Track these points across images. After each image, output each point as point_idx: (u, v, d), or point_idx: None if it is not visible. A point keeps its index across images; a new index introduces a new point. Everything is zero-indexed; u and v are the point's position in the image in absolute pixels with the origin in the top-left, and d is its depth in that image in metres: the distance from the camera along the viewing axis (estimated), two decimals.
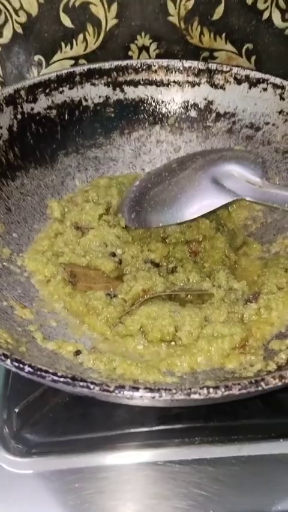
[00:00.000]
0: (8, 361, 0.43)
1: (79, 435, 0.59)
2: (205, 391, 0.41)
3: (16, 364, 0.43)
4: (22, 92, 0.72)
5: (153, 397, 0.40)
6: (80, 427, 0.60)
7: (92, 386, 0.41)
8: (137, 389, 0.40)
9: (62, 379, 0.41)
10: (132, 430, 0.59)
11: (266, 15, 0.82)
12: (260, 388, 0.42)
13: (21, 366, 0.43)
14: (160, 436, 0.59)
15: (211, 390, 0.41)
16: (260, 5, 0.81)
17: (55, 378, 0.42)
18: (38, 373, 0.42)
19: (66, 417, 0.61)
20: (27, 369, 0.42)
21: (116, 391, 0.40)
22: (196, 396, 0.41)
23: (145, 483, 0.57)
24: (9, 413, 0.60)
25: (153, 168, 0.80)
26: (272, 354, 0.56)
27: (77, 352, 0.56)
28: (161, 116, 0.80)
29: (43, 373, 0.42)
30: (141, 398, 0.40)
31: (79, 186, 0.77)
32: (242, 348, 0.57)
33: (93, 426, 0.60)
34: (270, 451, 0.58)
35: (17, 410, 0.60)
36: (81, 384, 0.41)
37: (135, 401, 0.42)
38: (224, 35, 0.84)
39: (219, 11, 0.82)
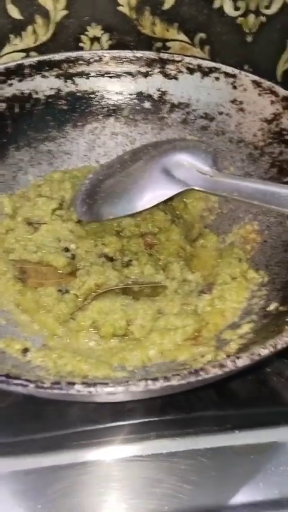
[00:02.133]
0: None
1: (33, 435, 0.58)
2: (143, 383, 0.40)
3: None
4: None
5: (90, 392, 0.39)
6: (34, 426, 0.58)
7: (25, 384, 0.39)
8: (73, 384, 0.39)
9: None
10: (87, 428, 0.58)
11: (217, 4, 0.81)
12: (200, 378, 0.41)
13: None
14: (115, 432, 0.58)
15: (149, 382, 0.40)
16: None
17: None
18: None
19: (20, 417, 0.59)
20: None
21: (52, 388, 0.39)
22: (134, 388, 0.40)
23: (100, 481, 0.55)
24: None
25: (108, 160, 0.78)
26: (224, 344, 0.55)
27: (25, 350, 0.55)
28: (114, 107, 0.78)
29: None
30: (78, 393, 0.39)
31: (32, 181, 0.75)
32: (194, 339, 0.57)
33: (47, 425, 0.58)
34: (227, 443, 0.57)
35: None
36: (16, 381, 0.39)
37: (74, 397, 0.41)
38: (176, 24, 0.83)
39: (170, 1, 0.80)
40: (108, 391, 0.39)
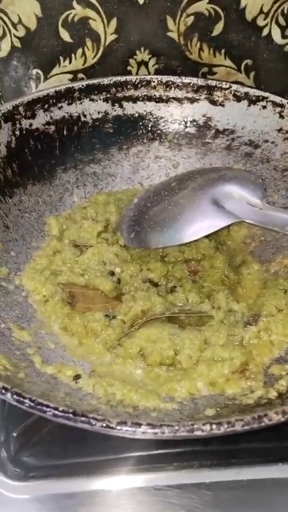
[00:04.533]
0: (9, 395, 0.42)
1: (77, 459, 0.58)
2: (208, 427, 0.40)
3: (16, 397, 0.42)
4: (21, 108, 0.71)
5: (156, 433, 0.39)
6: (77, 450, 0.59)
7: (93, 422, 0.40)
8: (139, 425, 0.39)
9: (62, 414, 0.40)
10: (130, 454, 0.58)
11: (265, 32, 0.81)
12: (263, 424, 0.42)
13: (21, 399, 0.42)
14: (158, 460, 0.58)
15: (214, 427, 0.40)
16: (260, 22, 0.80)
17: (56, 412, 0.40)
18: (39, 407, 0.41)
19: (64, 440, 0.59)
20: (27, 403, 0.41)
21: (118, 427, 0.39)
22: (199, 433, 0.40)
23: (143, 508, 0.56)
24: (7, 436, 0.59)
25: (152, 183, 0.79)
26: (273, 379, 0.55)
27: (77, 377, 0.55)
28: (159, 131, 0.79)
29: (44, 408, 0.41)
30: (143, 434, 0.39)
31: (77, 202, 0.76)
32: (242, 372, 0.57)
33: (91, 450, 0.59)
34: (269, 475, 0.58)
35: (15, 434, 0.59)
36: (83, 419, 0.40)
37: (138, 436, 0.41)
38: (223, 50, 0.83)
39: (218, 27, 0.81)
40: (174, 434, 0.39)
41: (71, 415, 0.40)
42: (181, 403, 0.54)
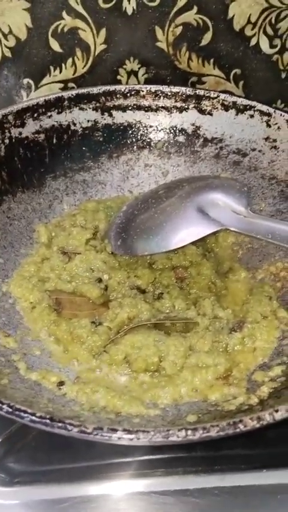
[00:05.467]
0: None
1: (63, 465, 0.58)
2: (183, 433, 0.40)
3: None
4: (10, 117, 0.71)
5: (131, 439, 0.39)
6: (63, 456, 0.59)
7: (70, 428, 0.40)
8: (115, 431, 0.40)
9: (39, 420, 0.40)
10: (116, 460, 0.58)
11: (253, 42, 0.82)
12: (238, 430, 0.42)
13: None
14: (143, 466, 0.58)
15: (189, 432, 0.41)
16: (248, 32, 0.81)
17: (34, 418, 0.40)
18: (17, 413, 0.41)
19: (50, 446, 0.59)
20: (5, 408, 0.41)
21: (94, 433, 0.39)
22: (174, 438, 0.40)
23: None
24: None
25: (142, 191, 0.79)
26: (255, 386, 0.55)
27: (60, 383, 0.55)
28: (149, 140, 0.79)
29: (21, 413, 0.41)
30: (119, 439, 0.39)
31: (67, 210, 0.76)
32: (225, 378, 0.57)
33: (76, 456, 0.58)
34: (254, 482, 0.57)
35: (0, 439, 0.58)
36: (60, 425, 0.40)
37: (114, 442, 0.41)
38: (212, 60, 0.84)
39: (207, 37, 0.81)
40: (149, 439, 0.39)
41: (48, 421, 0.40)
42: (164, 409, 0.54)
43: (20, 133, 0.72)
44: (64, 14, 0.77)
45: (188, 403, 0.55)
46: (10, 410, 0.41)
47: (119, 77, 0.83)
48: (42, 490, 0.56)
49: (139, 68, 0.83)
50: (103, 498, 0.56)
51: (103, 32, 0.79)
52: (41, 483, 0.57)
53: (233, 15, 0.80)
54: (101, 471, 0.58)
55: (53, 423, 0.40)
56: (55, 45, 0.79)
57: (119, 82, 0.83)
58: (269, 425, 0.43)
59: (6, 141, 0.71)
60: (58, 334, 0.62)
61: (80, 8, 0.77)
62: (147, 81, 0.84)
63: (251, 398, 0.52)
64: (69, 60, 0.81)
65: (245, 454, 0.59)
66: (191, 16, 0.79)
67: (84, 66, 0.81)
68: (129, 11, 0.78)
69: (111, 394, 0.54)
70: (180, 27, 0.80)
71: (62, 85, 0.82)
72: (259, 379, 0.56)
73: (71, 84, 0.82)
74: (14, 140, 0.72)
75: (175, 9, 0.79)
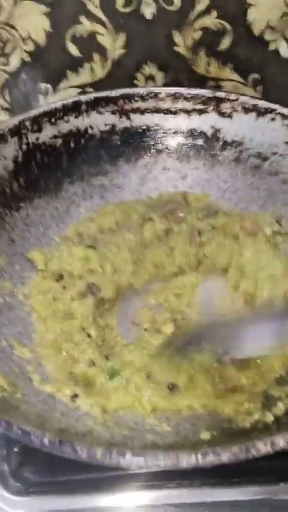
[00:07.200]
0: None
1: (78, 475, 0.53)
2: (193, 459, 0.36)
3: (4, 425, 0.36)
4: (27, 123, 0.65)
5: (140, 466, 0.36)
6: (79, 467, 0.52)
7: (80, 452, 0.37)
8: (124, 455, 0.36)
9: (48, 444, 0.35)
10: (132, 472, 0.52)
11: (273, 46, 0.75)
12: (250, 456, 0.37)
13: (9, 427, 0.36)
14: (160, 477, 0.52)
15: (199, 457, 0.36)
16: (267, 36, 0.74)
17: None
18: (27, 436, 0.35)
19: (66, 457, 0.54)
20: (15, 430, 0.35)
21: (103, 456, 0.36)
22: (184, 464, 0.36)
23: None
24: (9, 450, 0.54)
25: (159, 194, 0.72)
26: (271, 401, 0.49)
27: (74, 396, 0.49)
28: (167, 143, 0.73)
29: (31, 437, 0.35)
30: (129, 465, 0.36)
31: (84, 214, 0.70)
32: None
33: (92, 466, 0.52)
34: (272, 496, 0.51)
35: (16, 449, 0.53)
36: (68, 448, 0.37)
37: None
38: (230, 65, 0.77)
39: (226, 42, 0.75)
40: (157, 464, 0.36)
41: (57, 443, 0.36)
42: (177, 424, 0.49)
43: (37, 139, 0.66)
44: (83, 18, 0.71)
45: (202, 416, 0.49)
46: (20, 433, 0.36)
47: (136, 82, 0.77)
48: (56, 501, 0.52)
49: (157, 73, 0.77)
50: (116, 510, 0.51)
51: (122, 36, 0.73)
52: (56, 494, 0.52)
53: (253, 20, 0.73)
54: (115, 482, 0.52)
55: (62, 446, 0.36)
56: (73, 50, 0.73)
57: (137, 86, 0.77)
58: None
59: (24, 147, 0.65)
60: None
61: (99, 12, 0.71)
62: (165, 86, 0.77)
63: (266, 416, 0.47)
64: (87, 65, 0.75)
65: (263, 467, 0.52)
66: (210, 20, 0.73)
67: (102, 70, 0.75)
68: (148, 16, 0.72)
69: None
70: (199, 32, 0.74)
71: (79, 90, 0.77)
72: (275, 394, 0.50)
73: (88, 89, 0.77)
74: (31, 146, 0.66)
75: (194, 13, 0.72)
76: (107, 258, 0.61)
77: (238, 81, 0.79)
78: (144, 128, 0.72)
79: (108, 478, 0.52)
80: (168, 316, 0.58)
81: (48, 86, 0.76)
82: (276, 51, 0.76)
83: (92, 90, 0.77)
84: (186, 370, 0.51)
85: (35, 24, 0.71)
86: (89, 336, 0.55)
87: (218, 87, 0.79)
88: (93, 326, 0.56)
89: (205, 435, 0.46)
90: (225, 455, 0.37)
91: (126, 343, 0.56)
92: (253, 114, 0.69)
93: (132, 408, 0.50)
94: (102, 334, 0.56)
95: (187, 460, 0.37)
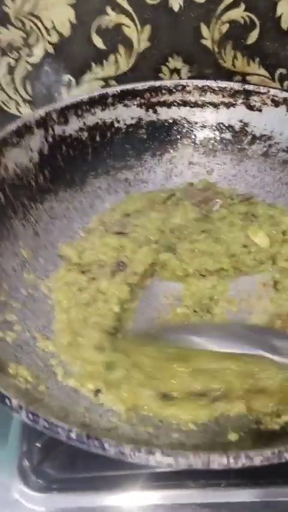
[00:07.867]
0: (23, 414, 0.34)
1: (101, 472, 0.51)
2: (225, 460, 0.34)
3: (31, 417, 0.34)
4: (54, 115, 0.63)
5: (170, 464, 0.34)
6: (101, 464, 0.50)
7: (107, 448, 0.35)
8: (153, 453, 0.35)
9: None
10: (157, 470, 0.49)
11: None
12: (283, 460, 0.36)
13: (36, 419, 0.34)
14: (186, 477, 0.50)
15: (231, 460, 0.34)
16: None
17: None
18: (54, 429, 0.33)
19: (88, 453, 0.51)
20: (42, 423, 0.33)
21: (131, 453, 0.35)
22: (215, 466, 0.34)
23: None
24: (30, 446, 0.52)
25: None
26: None
27: (97, 391, 0.47)
28: (194, 137, 0.71)
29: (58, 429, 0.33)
30: (157, 463, 0.34)
31: (108, 208, 0.67)
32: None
33: (115, 463, 0.50)
34: (273, 498, 0.49)
35: (38, 444, 0.52)
36: (96, 443, 0.35)
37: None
38: (257, 59, 0.74)
39: (253, 36, 0.72)
40: (188, 465, 0.34)
41: (84, 439, 0.34)
42: (205, 424, 0.46)
43: (64, 131, 0.64)
44: (109, 9, 0.69)
45: (229, 417, 0.47)
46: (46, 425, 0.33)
47: (161, 75, 0.74)
48: (78, 498, 0.50)
49: (182, 66, 0.74)
50: (140, 508, 0.49)
51: (147, 28, 0.71)
52: (77, 490, 0.50)
53: (281, 14, 0.70)
54: (140, 480, 0.50)
55: (89, 441, 0.35)
56: (98, 42, 0.71)
57: (162, 80, 0.74)
58: None
59: (50, 139, 0.63)
60: None
61: (125, 4, 0.69)
62: (191, 79, 0.75)
63: None
64: (112, 57, 0.72)
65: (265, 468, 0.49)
66: (238, 14, 0.70)
67: (127, 63, 0.73)
68: (176, 8, 0.69)
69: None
70: (227, 25, 0.71)
71: (103, 83, 0.74)
72: None
73: (112, 82, 0.74)
74: (57, 138, 0.64)
75: (222, 6, 0.70)
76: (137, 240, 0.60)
77: (265, 76, 0.76)
78: (170, 121, 0.70)
79: (133, 476, 0.50)
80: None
81: (72, 78, 0.73)
82: None
83: (115, 83, 0.74)
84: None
85: (60, 15, 0.69)
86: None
87: (244, 82, 0.76)
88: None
89: (233, 436, 0.44)
90: (258, 459, 0.36)
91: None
92: (283, 108, 0.66)
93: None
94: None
95: (218, 462, 0.35)
